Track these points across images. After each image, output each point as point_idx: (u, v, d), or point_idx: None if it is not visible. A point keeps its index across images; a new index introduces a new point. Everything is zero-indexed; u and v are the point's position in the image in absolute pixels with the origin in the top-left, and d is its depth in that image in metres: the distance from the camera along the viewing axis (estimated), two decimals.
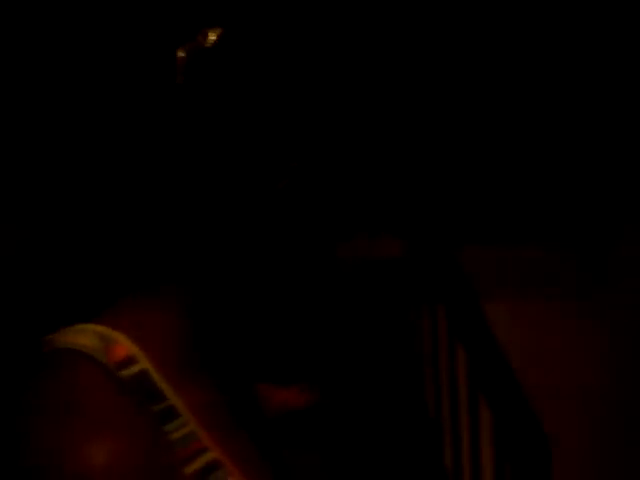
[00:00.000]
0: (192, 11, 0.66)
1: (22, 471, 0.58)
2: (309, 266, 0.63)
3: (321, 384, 0.76)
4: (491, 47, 2.34)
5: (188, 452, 0.61)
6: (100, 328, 0.62)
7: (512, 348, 2.36)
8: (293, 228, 0.63)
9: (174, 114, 0.64)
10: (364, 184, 0.63)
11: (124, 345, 0.62)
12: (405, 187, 0.64)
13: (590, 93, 2.39)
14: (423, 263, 1.63)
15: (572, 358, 2.47)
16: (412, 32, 0.71)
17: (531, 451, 1.06)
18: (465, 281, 1.56)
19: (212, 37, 0.65)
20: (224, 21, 0.65)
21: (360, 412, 0.83)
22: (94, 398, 0.59)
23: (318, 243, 0.62)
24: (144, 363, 0.62)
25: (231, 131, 0.62)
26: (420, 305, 1.97)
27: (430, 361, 2.04)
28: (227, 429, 0.65)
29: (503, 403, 1.16)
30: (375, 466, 0.82)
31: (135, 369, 0.61)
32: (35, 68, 2.09)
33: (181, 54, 0.64)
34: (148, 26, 0.69)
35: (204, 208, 0.64)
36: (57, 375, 0.61)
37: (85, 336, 0.62)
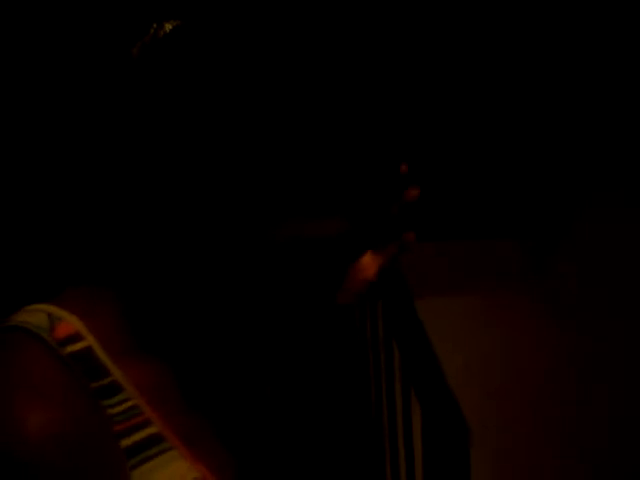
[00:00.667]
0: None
1: None
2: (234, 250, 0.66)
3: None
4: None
5: (128, 425, 0.65)
6: (49, 307, 0.67)
7: (460, 337, 2.43)
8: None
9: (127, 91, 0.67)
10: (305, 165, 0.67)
11: (70, 323, 0.66)
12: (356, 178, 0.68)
13: (532, 85, 2.45)
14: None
15: (524, 344, 2.54)
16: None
17: (450, 443, 1.12)
18: (398, 276, 1.60)
19: (167, 27, 0.69)
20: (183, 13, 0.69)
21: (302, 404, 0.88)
22: (31, 372, 0.62)
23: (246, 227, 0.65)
24: (89, 340, 0.66)
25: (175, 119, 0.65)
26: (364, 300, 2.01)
27: (371, 355, 2.08)
28: (174, 407, 0.69)
29: (428, 396, 1.21)
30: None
31: (79, 345, 0.65)
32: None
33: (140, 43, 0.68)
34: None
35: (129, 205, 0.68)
36: (5, 350, 0.64)
37: (34, 315, 0.66)
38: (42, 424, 0.59)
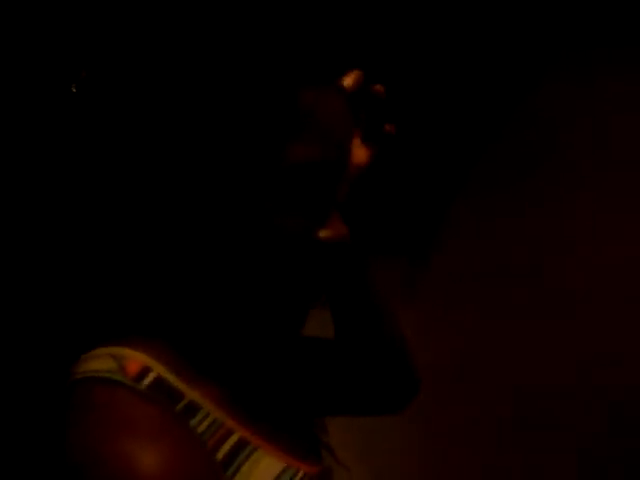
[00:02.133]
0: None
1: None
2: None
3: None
4: None
5: (216, 439, 0.68)
6: (111, 350, 0.69)
7: None
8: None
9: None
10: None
11: (136, 358, 0.68)
12: None
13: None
14: None
15: None
16: None
17: None
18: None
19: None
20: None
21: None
22: (123, 416, 0.63)
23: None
24: (158, 369, 0.69)
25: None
26: None
27: None
28: (245, 412, 0.74)
29: None
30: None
31: (151, 377, 0.68)
32: None
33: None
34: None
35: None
36: (76, 405, 0.65)
37: (99, 360, 0.68)
38: (153, 463, 0.61)
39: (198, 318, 0.73)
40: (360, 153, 0.81)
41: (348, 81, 0.77)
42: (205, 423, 0.69)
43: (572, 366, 1.88)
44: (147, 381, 0.67)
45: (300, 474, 0.74)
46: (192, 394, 0.69)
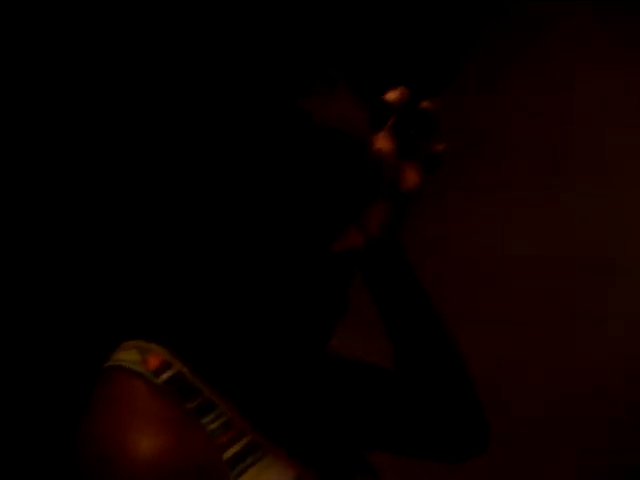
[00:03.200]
0: None
1: (82, 463, 0.66)
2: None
3: None
4: None
5: (227, 438, 0.70)
6: (138, 342, 0.73)
7: None
8: None
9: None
10: None
11: (159, 354, 0.72)
12: None
13: None
14: None
15: None
16: None
17: None
18: None
19: None
20: None
21: None
22: (134, 403, 0.67)
23: None
24: (178, 366, 0.71)
25: None
26: None
27: None
28: (261, 415, 0.74)
29: None
30: None
31: (170, 373, 0.71)
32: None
33: None
34: None
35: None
36: (102, 388, 0.70)
37: (126, 352, 0.72)
38: (152, 450, 0.64)
39: (223, 329, 0.74)
40: (410, 177, 0.76)
41: (392, 97, 0.74)
42: (218, 422, 0.70)
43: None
44: (165, 376, 0.70)
45: None
46: (208, 392, 0.70)
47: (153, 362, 0.71)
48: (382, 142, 0.72)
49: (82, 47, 1.81)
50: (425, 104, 0.76)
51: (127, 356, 0.71)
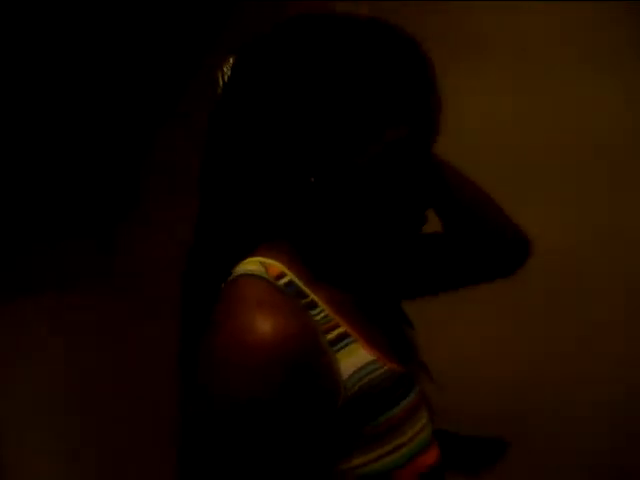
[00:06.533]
0: None
1: (219, 351, 0.86)
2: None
3: None
4: None
5: (327, 327, 0.93)
6: (260, 258, 0.96)
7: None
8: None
9: None
10: None
11: (276, 266, 0.96)
12: None
13: None
14: None
15: None
16: None
17: None
18: None
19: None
20: None
21: None
22: (269, 299, 0.90)
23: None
24: (290, 275, 0.95)
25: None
26: None
27: None
28: (351, 315, 0.98)
29: None
30: None
31: (286, 279, 0.94)
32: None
33: None
34: None
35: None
36: (234, 290, 0.93)
37: (252, 265, 0.96)
38: (281, 328, 0.84)
39: (320, 239, 0.99)
40: None
41: None
42: (320, 316, 0.94)
43: None
44: (282, 281, 0.94)
45: (385, 368, 0.98)
46: (313, 295, 0.95)
47: (273, 271, 0.94)
48: None
49: None
50: None
51: (253, 267, 0.95)
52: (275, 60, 0.95)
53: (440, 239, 1.25)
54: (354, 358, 0.93)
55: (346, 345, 0.94)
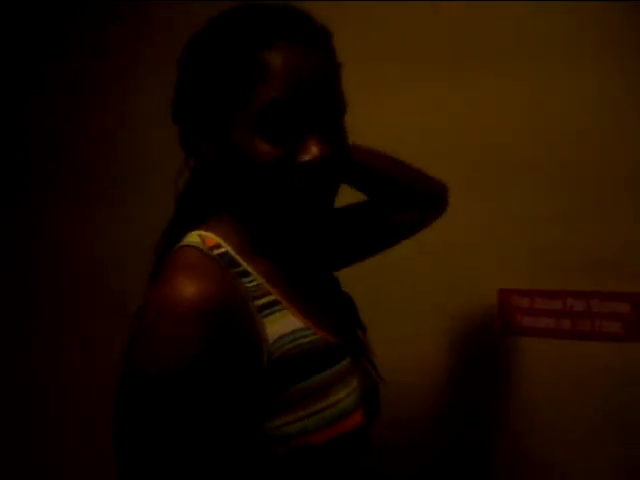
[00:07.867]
0: None
1: (156, 299, 0.92)
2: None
3: None
4: None
5: (257, 294, 1.01)
6: (201, 232, 1.07)
7: None
8: None
9: None
10: None
11: (213, 238, 1.05)
12: None
13: None
14: None
15: None
16: None
17: None
18: None
19: None
20: None
21: None
22: (198, 264, 0.99)
23: None
24: (225, 247, 1.04)
25: None
26: None
27: None
28: (286, 286, 1.05)
29: None
30: None
31: (221, 250, 1.04)
32: None
33: None
34: None
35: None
36: (172, 258, 1.03)
37: (191, 237, 1.06)
38: (202, 290, 0.89)
39: (257, 216, 1.07)
40: None
41: None
42: (252, 284, 1.01)
43: None
44: (217, 252, 1.04)
45: (316, 337, 1.03)
46: (244, 265, 1.02)
47: (209, 242, 1.04)
48: None
49: None
50: None
51: (192, 239, 1.05)
52: (192, 41, 1.07)
53: (364, 206, 1.36)
54: (282, 325, 1.01)
55: (274, 312, 1.01)
